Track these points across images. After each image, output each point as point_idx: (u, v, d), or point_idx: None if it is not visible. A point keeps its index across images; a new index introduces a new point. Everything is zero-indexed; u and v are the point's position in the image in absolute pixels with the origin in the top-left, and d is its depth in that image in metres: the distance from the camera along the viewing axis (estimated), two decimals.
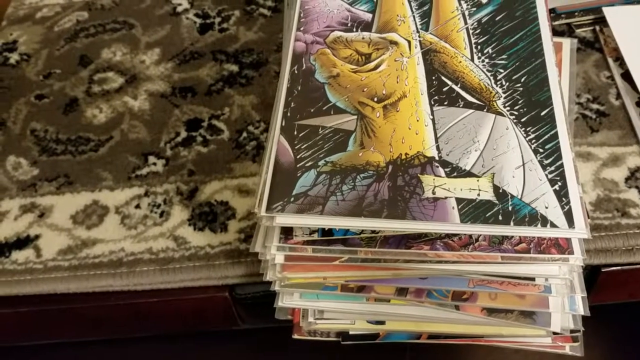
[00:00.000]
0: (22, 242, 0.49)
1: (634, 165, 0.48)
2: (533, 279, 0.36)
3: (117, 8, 0.65)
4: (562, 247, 0.35)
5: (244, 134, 0.53)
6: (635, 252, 0.45)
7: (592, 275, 0.46)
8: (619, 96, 0.52)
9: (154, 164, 0.52)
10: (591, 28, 0.58)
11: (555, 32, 0.57)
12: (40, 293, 0.47)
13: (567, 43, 0.53)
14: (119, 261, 0.47)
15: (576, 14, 0.58)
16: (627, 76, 0.53)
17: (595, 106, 0.52)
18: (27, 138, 0.55)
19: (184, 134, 0.54)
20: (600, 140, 0.50)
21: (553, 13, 0.58)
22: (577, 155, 0.49)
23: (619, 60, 0.54)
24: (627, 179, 0.47)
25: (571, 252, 0.34)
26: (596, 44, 0.56)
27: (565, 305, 0.38)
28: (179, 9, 0.64)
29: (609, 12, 0.57)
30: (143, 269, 0.46)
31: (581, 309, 0.38)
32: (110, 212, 0.50)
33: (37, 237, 0.49)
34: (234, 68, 0.58)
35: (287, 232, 0.37)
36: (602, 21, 0.57)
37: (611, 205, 0.46)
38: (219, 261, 0.46)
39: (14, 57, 0.62)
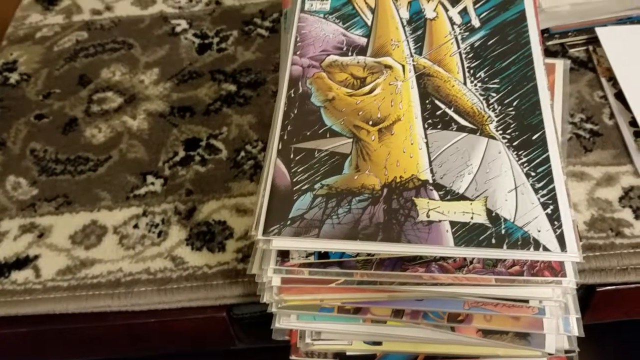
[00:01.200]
0: (22, 262, 0.49)
1: (627, 184, 0.49)
2: (527, 301, 0.36)
3: (116, 28, 0.66)
4: (555, 269, 0.35)
5: (242, 153, 0.54)
6: (629, 272, 0.45)
7: (587, 295, 0.47)
8: (612, 116, 0.53)
9: (152, 183, 0.53)
10: (584, 48, 0.58)
11: (549, 52, 0.58)
12: (39, 313, 0.47)
13: (560, 64, 0.54)
14: (117, 281, 0.47)
15: (570, 34, 0.59)
16: (620, 96, 0.54)
17: (589, 126, 0.53)
18: (26, 158, 0.56)
19: (182, 154, 0.55)
20: (594, 159, 0.50)
21: (547, 33, 0.59)
22: (571, 175, 0.49)
23: (612, 80, 0.55)
24: (620, 199, 0.48)
25: (564, 275, 0.35)
26: (589, 63, 0.57)
27: (560, 326, 0.38)
28: (178, 29, 0.65)
29: (601, 33, 0.58)
30: (141, 290, 0.46)
31: (575, 330, 0.38)
32: (109, 232, 0.50)
33: (36, 257, 0.49)
34: (232, 88, 0.59)
35: (283, 255, 0.37)
36: (595, 41, 0.58)
37: (605, 225, 0.46)
38: (216, 281, 0.46)
39: (14, 77, 0.63)
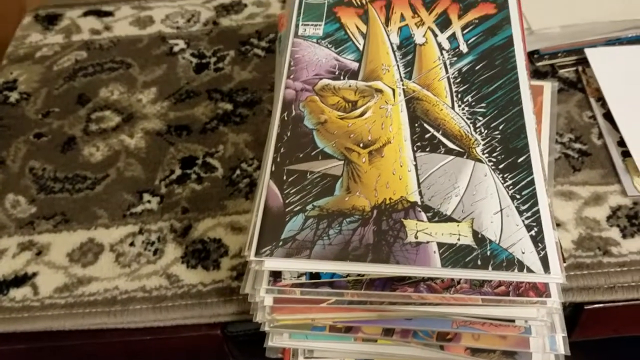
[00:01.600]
0: (20, 279, 0.50)
1: (615, 204, 0.50)
2: (513, 321, 0.37)
3: (115, 48, 0.67)
4: (540, 290, 0.36)
5: (238, 172, 0.55)
6: (617, 290, 0.46)
7: (575, 312, 0.48)
8: (600, 136, 0.54)
9: (149, 201, 0.54)
10: (574, 69, 0.60)
11: (539, 73, 0.59)
12: (36, 330, 0.48)
13: (549, 86, 0.55)
14: (113, 299, 0.48)
15: (559, 55, 0.60)
16: (608, 116, 0.55)
17: (577, 145, 0.54)
18: (25, 176, 0.57)
19: (178, 172, 0.56)
20: (582, 179, 0.51)
21: (537, 54, 0.60)
22: (560, 194, 0.50)
23: (601, 100, 0.56)
24: (608, 218, 0.49)
25: (548, 295, 0.36)
26: (579, 84, 0.58)
27: (546, 345, 0.39)
28: (176, 48, 0.66)
29: (590, 54, 0.59)
30: (136, 307, 0.47)
31: (562, 348, 0.39)
32: (105, 250, 0.51)
33: (34, 274, 0.50)
34: (229, 107, 0.60)
35: (276, 275, 0.38)
36: (584, 62, 0.59)
37: (593, 244, 0.47)
38: (211, 299, 0.47)
39: (13, 96, 0.64)
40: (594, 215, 0.49)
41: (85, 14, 0.72)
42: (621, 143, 0.53)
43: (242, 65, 0.64)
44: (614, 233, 0.48)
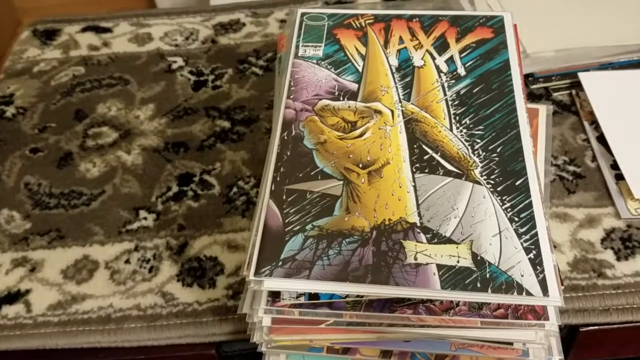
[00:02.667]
0: (13, 296, 0.49)
1: (609, 226, 0.50)
2: (511, 343, 0.37)
3: (113, 64, 0.68)
4: (539, 313, 0.36)
5: (234, 189, 0.55)
6: (612, 313, 0.46)
7: (570, 335, 0.48)
8: (594, 158, 0.55)
9: (145, 218, 0.53)
10: (568, 92, 0.61)
11: (534, 96, 0.60)
12: (29, 348, 0.47)
13: (544, 109, 0.56)
14: (108, 317, 0.47)
15: (553, 78, 0.61)
16: (602, 139, 0.56)
17: (571, 168, 0.54)
18: (20, 191, 0.56)
19: (175, 189, 0.55)
20: (576, 201, 0.52)
21: (531, 77, 0.61)
22: (554, 216, 0.51)
23: (595, 123, 0.57)
24: (602, 240, 0.49)
25: (546, 318, 0.36)
26: (573, 107, 0.59)
27: None
28: (174, 66, 0.67)
29: (584, 77, 0.60)
30: (131, 326, 0.47)
31: None
32: (100, 267, 0.50)
33: (27, 291, 0.49)
34: (226, 124, 0.60)
35: (274, 295, 0.38)
36: (578, 85, 0.60)
37: (587, 266, 0.48)
38: (206, 318, 0.47)
39: (10, 111, 0.64)
40: (588, 237, 0.49)
41: (84, 30, 0.72)
42: (614, 166, 0.54)
43: (240, 83, 0.64)
44: (609, 255, 0.48)
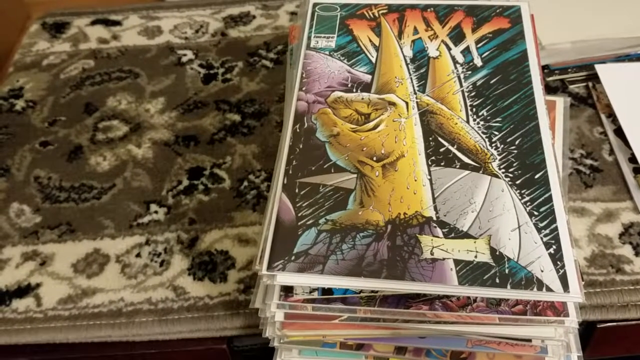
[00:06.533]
0: (23, 290, 0.49)
1: (627, 221, 0.49)
2: (530, 340, 0.36)
3: (122, 57, 0.67)
4: (558, 309, 0.35)
5: (245, 183, 0.54)
6: (630, 309, 0.45)
7: (588, 331, 0.47)
8: (612, 152, 0.54)
9: (156, 212, 0.53)
10: (584, 84, 0.59)
11: (549, 88, 0.59)
12: (39, 342, 0.47)
13: (561, 101, 0.55)
14: (118, 311, 0.47)
15: (569, 70, 0.60)
16: (619, 132, 0.55)
17: (589, 162, 0.53)
18: (30, 185, 0.56)
19: (185, 182, 0.55)
20: (594, 195, 0.51)
21: (547, 69, 0.60)
22: (572, 211, 0.50)
23: (612, 116, 0.56)
24: (621, 235, 0.48)
25: (566, 315, 0.35)
26: (589, 99, 0.58)
27: None
28: (184, 59, 0.66)
29: (601, 69, 0.59)
30: (142, 320, 0.46)
31: None
32: (111, 260, 0.50)
33: (38, 285, 0.49)
34: (237, 118, 0.60)
35: (287, 290, 0.37)
36: (594, 78, 0.59)
37: (606, 261, 0.47)
38: (217, 312, 0.46)
39: (19, 104, 0.63)
40: (606, 232, 0.48)
41: (93, 23, 0.72)
42: (632, 159, 0.53)
43: (250, 76, 0.64)
44: (627, 250, 0.47)
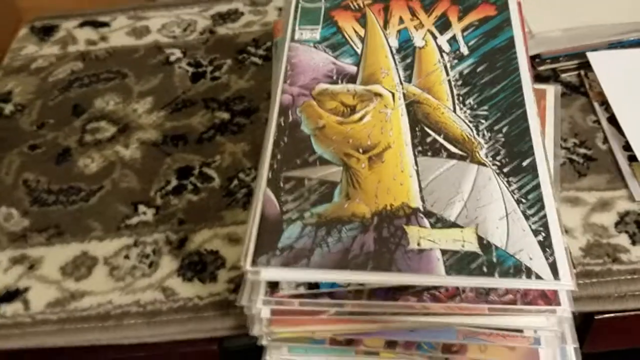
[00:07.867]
0: (12, 294, 0.48)
1: (623, 209, 0.48)
2: (521, 331, 0.36)
3: (111, 58, 0.67)
4: (549, 298, 0.34)
5: (235, 182, 0.54)
6: (628, 299, 0.44)
7: (585, 323, 0.46)
8: (605, 140, 0.53)
9: (144, 213, 0.52)
10: (576, 73, 0.59)
11: (541, 77, 0.58)
12: (28, 347, 0.46)
13: (552, 90, 0.54)
14: (107, 314, 0.46)
15: (561, 59, 0.59)
16: (613, 120, 0.54)
17: (582, 150, 0.52)
18: (19, 188, 0.55)
19: (174, 182, 0.54)
20: (588, 184, 0.50)
21: (538, 58, 0.59)
22: (566, 200, 0.49)
23: (605, 104, 0.55)
24: (616, 224, 0.47)
25: (558, 304, 0.34)
26: (581, 88, 0.57)
27: (557, 357, 0.37)
28: (172, 58, 0.66)
29: (593, 57, 0.58)
30: (130, 322, 0.45)
31: None
32: (99, 263, 0.49)
33: (26, 289, 0.48)
34: (226, 116, 0.59)
35: (273, 286, 0.37)
36: (586, 66, 0.58)
37: (602, 251, 0.46)
38: (207, 313, 0.46)
39: (8, 108, 0.63)
40: (601, 221, 0.48)
41: (81, 25, 0.72)
42: (627, 147, 0.52)
43: (239, 74, 0.63)
44: (623, 239, 0.46)
